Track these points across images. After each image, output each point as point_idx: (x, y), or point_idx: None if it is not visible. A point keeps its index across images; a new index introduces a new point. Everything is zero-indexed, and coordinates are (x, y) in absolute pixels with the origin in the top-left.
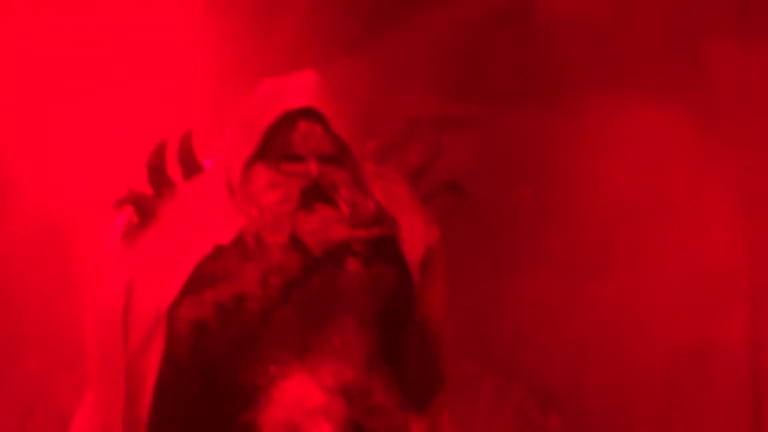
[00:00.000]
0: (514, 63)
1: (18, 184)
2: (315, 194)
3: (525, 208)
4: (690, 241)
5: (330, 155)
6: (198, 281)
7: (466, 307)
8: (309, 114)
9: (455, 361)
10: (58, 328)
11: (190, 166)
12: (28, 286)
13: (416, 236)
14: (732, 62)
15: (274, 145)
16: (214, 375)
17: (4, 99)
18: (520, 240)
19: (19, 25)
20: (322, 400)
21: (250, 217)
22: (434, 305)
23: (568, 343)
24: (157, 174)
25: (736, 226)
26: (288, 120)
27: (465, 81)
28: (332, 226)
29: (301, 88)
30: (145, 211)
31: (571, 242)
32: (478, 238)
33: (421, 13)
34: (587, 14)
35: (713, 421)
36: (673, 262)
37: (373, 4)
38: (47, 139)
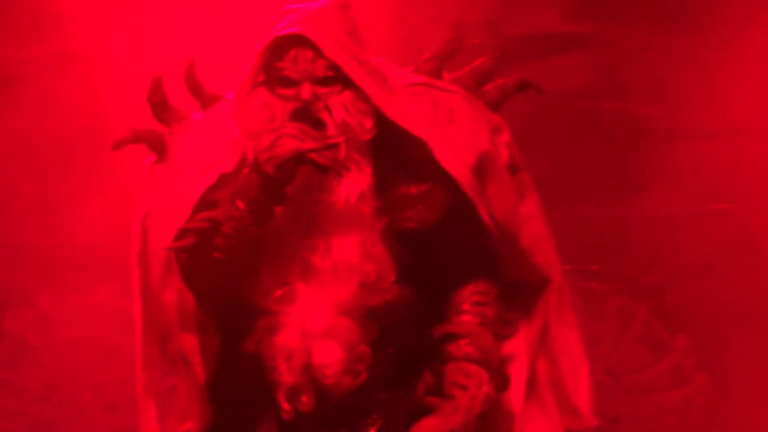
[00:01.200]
0: None
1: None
2: (304, 116)
3: (652, 127)
4: None
5: (324, 78)
6: (200, 211)
7: (593, 227)
8: (300, 40)
9: (581, 280)
10: None
11: (203, 97)
12: None
13: (464, 144)
14: None
15: (272, 71)
16: (226, 301)
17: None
18: (648, 159)
19: None
20: (328, 323)
21: (241, 140)
22: (502, 206)
23: (695, 263)
24: (161, 108)
25: None
26: (283, 46)
27: None
28: (281, 142)
29: (300, 15)
30: (156, 147)
31: (699, 161)
32: (605, 157)
33: None
34: None
35: None
36: None
37: None
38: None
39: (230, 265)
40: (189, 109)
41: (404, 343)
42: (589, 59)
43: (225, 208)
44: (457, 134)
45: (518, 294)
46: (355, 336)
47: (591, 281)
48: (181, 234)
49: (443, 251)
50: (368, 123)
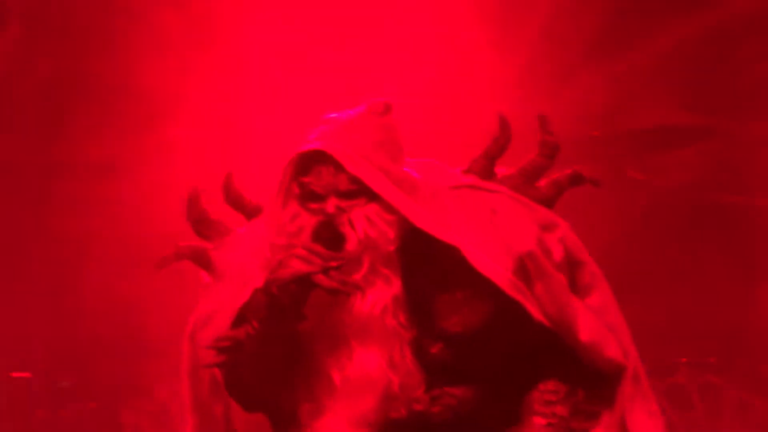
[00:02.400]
0: (758, 73)
1: None
2: (328, 230)
3: None
4: None
5: (348, 191)
6: (235, 327)
7: (711, 319)
8: (322, 154)
9: (698, 373)
10: None
11: (246, 208)
12: None
13: (504, 246)
14: None
15: (303, 184)
16: (267, 410)
17: None
18: (766, 250)
19: None
20: None
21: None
22: (553, 303)
23: None
24: (201, 225)
25: None
26: (309, 160)
27: (705, 92)
28: (286, 263)
29: (327, 127)
30: (201, 263)
31: None
32: (723, 249)
33: (658, 25)
34: None
35: None
36: None
37: (609, 20)
38: None
39: (260, 379)
40: (234, 222)
41: None
42: (706, 151)
43: (245, 327)
44: (497, 236)
45: (600, 383)
46: None
47: (708, 374)
48: (213, 351)
49: (498, 352)
50: (392, 234)
